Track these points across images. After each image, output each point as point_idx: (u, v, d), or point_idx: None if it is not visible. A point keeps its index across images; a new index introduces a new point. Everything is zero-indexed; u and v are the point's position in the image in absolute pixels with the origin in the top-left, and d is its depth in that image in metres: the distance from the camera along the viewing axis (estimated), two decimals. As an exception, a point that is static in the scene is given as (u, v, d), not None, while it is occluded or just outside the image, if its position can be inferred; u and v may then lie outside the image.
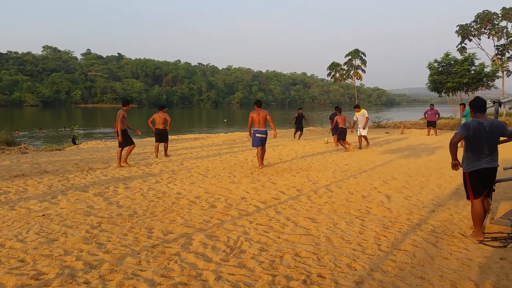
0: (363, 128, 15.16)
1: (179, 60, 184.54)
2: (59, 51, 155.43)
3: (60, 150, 16.11)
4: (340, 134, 14.92)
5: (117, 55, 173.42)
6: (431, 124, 21.69)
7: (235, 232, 5.35)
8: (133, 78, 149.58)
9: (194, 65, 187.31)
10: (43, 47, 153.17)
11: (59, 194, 7.47)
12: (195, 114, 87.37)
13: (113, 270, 4.02)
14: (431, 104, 22.35)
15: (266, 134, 10.85)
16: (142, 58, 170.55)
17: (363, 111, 15.44)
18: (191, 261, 4.33)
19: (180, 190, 7.91)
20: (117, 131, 10.75)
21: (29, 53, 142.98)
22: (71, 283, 3.72)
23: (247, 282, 3.81)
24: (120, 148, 10.91)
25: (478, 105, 5.07)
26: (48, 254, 4.46)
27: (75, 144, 19.79)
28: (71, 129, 27.03)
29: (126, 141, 10.96)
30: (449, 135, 21.37)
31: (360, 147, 15.34)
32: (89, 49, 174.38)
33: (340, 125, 14.90)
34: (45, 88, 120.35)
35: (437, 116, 21.87)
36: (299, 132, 20.33)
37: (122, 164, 10.83)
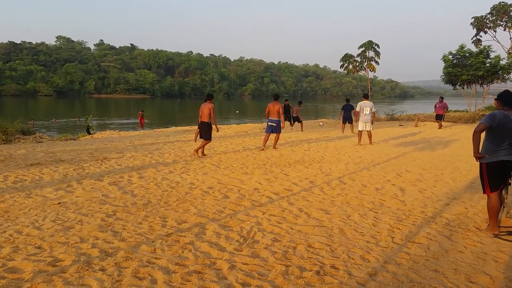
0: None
1: (191, 51, 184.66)
2: (73, 41, 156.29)
3: (74, 139, 16.29)
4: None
5: (129, 45, 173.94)
6: (439, 117, 21.55)
7: (248, 222, 5.37)
8: (145, 69, 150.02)
9: (206, 56, 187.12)
10: (57, 37, 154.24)
11: (75, 183, 7.56)
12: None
13: (129, 258, 4.07)
14: (440, 97, 22.14)
15: (277, 123, 12.61)
16: (154, 49, 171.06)
17: (359, 103, 14.34)
18: (205, 250, 4.36)
19: (193, 180, 7.95)
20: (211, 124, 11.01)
21: (43, 43, 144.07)
22: (87, 270, 3.78)
23: (261, 272, 3.83)
24: (208, 140, 11.16)
25: (507, 99, 5.01)
26: (64, 241, 4.53)
27: (89, 134, 19.99)
28: (86, 119, 27.27)
29: (209, 134, 11.13)
30: (463, 128, 21.15)
31: (370, 142, 14.32)
32: (102, 40, 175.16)
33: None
34: (59, 78, 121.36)
35: (445, 109, 21.70)
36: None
37: (197, 154, 11.04)
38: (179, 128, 22.49)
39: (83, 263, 3.91)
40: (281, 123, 12.68)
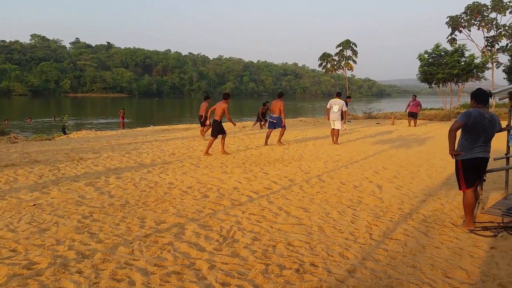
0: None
1: (169, 49, 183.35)
2: (48, 39, 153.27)
3: (50, 139, 15.94)
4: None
5: (106, 44, 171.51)
6: (412, 115, 21.81)
7: (227, 221, 5.35)
8: (122, 67, 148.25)
9: (185, 55, 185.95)
10: (31, 35, 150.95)
11: (50, 184, 7.42)
12: (186, 104, 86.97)
13: (106, 260, 4.01)
14: (413, 95, 22.45)
15: (277, 120, 13.33)
16: (131, 47, 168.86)
17: (330, 100, 13.96)
18: (184, 250, 4.33)
19: (172, 180, 7.89)
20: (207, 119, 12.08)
21: (17, 41, 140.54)
22: (63, 272, 3.71)
23: (240, 271, 3.83)
24: (213, 138, 11.50)
25: (480, 97, 5.12)
26: (40, 243, 4.43)
27: (65, 133, 19.63)
28: (61, 118, 26.77)
29: (220, 131, 11.51)
30: (438, 126, 21.54)
31: (332, 141, 13.89)
32: (77, 38, 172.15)
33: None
34: (33, 77, 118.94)
35: (419, 107, 21.98)
36: (262, 122, 20.43)
37: (208, 154, 11.29)
38: (157, 127, 22.26)
39: (60, 266, 3.83)
40: (282, 120, 13.28)
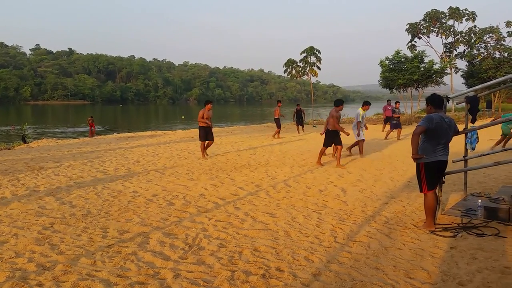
0: None
1: (133, 55, 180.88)
2: (6, 46, 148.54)
3: (9, 149, 15.40)
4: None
5: (67, 50, 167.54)
6: (389, 119, 22.04)
7: (193, 229, 5.31)
8: (85, 74, 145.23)
9: (149, 61, 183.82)
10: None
11: (9, 195, 7.15)
12: (151, 111, 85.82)
13: (67, 271, 3.89)
14: (388, 100, 22.78)
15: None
16: (94, 53, 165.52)
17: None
18: (148, 260, 4.26)
19: (137, 189, 7.75)
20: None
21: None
22: (23, 285, 3.58)
23: (206, 279, 3.79)
24: (324, 148, 10.74)
25: (436, 102, 5.31)
26: (-3, 257, 4.27)
27: (25, 142, 18.97)
28: (21, 127, 25.87)
29: (335, 141, 10.61)
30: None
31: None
32: (38, 44, 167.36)
33: None
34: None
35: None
36: (300, 126, 21.55)
37: (338, 166, 10.31)
38: (121, 134, 21.83)
39: (19, 279, 3.70)
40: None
